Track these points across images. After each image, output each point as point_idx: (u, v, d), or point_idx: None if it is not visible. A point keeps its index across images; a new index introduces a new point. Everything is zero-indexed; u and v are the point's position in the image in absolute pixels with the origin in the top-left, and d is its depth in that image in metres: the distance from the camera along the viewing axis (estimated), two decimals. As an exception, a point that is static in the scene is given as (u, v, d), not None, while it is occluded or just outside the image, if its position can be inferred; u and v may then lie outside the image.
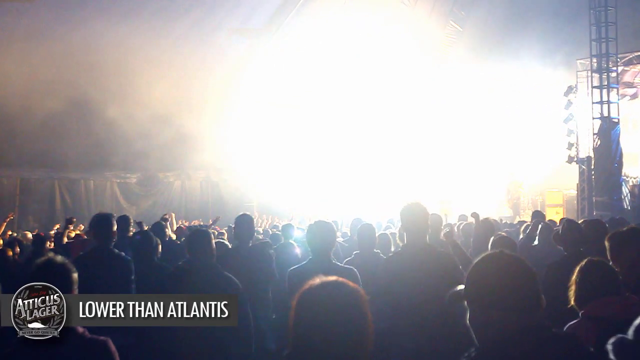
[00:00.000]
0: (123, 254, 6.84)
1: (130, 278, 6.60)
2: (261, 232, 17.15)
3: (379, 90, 32.37)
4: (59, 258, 3.88)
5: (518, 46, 28.54)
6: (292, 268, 6.13)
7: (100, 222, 6.96)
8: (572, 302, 4.08)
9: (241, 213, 8.09)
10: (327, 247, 5.92)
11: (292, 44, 30.96)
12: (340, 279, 2.71)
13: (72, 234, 12.78)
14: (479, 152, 29.94)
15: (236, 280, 5.83)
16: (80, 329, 3.65)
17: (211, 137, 28.56)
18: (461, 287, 2.87)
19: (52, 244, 11.40)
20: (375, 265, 6.39)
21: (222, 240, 8.81)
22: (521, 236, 10.51)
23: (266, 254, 7.76)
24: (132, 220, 9.32)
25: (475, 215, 10.08)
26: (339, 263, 6.18)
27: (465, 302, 2.81)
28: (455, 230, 11.49)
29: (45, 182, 27.47)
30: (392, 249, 8.09)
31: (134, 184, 30.40)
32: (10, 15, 23.71)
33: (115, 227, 7.06)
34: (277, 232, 12.27)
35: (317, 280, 2.68)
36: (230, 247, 8.14)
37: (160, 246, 7.90)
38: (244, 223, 7.75)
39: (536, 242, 9.02)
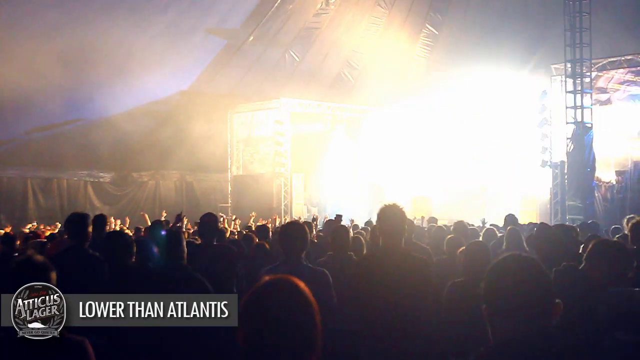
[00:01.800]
0: (97, 254, 6.78)
1: (102, 279, 6.54)
2: (235, 233, 17.14)
3: (349, 92, 32.51)
4: (38, 257, 3.85)
5: (493, 50, 28.73)
6: (264, 269, 6.11)
7: (76, 222, 6.90)
8: None
9: (206, 212, 8.09)
10: (299, 249, 5.88)
11: (269, 43, 30.94)
12: (290, 277, 2.71)
13: (47, 233, 12.68)
14: (454, 157, 30.09)
15: (206, 283, 5.82)
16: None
17: (186, 137, 28.47)
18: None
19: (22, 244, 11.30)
20: (348, 267, 6.36)
21: (192, 240, 8.80)
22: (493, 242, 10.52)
23: (230, 251, 7.76)
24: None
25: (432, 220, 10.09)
26: (310, 265, 6.14)
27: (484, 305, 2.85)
28: (426, 234, 11.53)
29: (17, 181, 27.22)
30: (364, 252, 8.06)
31: (108, 184, 30.20)
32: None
33: (90, 227, 7.01)
34: (249, 233, 12.26)
35: (265, 279, 2.69)
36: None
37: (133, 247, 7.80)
38: (207, 222, 7.75)
39: (504, 247, 9.01)
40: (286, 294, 2.61)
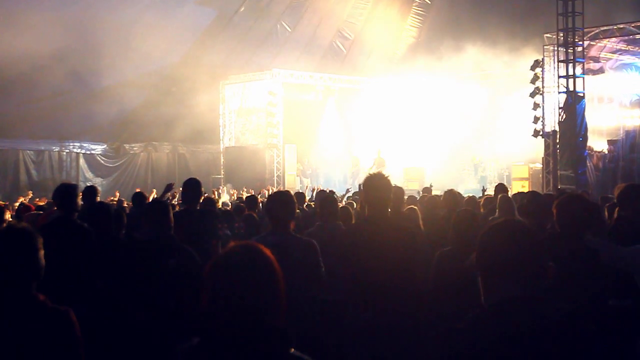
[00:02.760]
0: (85, 225, 6.76)
1: (91, 250, 6.52)
2: (229, 204, 17.18)
3: (342, 63, 32.41)
4: (21, 223, 3.82)
5: (485, 20, 28.62)
6: (253, 239, 6.08)
7: (64, 193, 6.88)
8: None
9: (188, 178, 8.09)
10: (286, 218, 5.83)
11: (260, 13, 30.78)
12: (254, 244, 2.75)
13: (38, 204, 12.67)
14: (446, 128, 30.05)
15: (192, 252, 5.81)
16: (42, 297, 3.56)
17: (179, 108, 28.38)
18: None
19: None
20: (336, 237, 6.34)
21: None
22: (482, 210, 10.53)
23: (212, 215, 7.76)
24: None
25: (428, 189, 10.10)
26: (297, 235, 6.11)
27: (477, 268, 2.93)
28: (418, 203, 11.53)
29: (9, 153, 27.13)
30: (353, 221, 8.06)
31: (100, 155, 30.14)
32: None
33: (78, 198, 6.98)
34: (241, 204, 12.29)
35: (230, 245, 2.72)
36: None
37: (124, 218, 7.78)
38: (190, 187, 7.75)
39: (496, 215, 9.02)
40: (249, 259, 2.62)
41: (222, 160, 32.33)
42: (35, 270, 3.56)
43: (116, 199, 20.26)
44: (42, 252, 3.61)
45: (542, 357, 2.70)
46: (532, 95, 23.78)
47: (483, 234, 2.94)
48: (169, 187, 10.43)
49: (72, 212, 6.77)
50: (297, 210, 6.95)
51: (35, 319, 3.48)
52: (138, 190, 15.82)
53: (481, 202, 11.04)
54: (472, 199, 11.26)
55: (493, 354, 2.69)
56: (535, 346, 2.67)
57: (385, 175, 5.65)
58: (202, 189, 7.97)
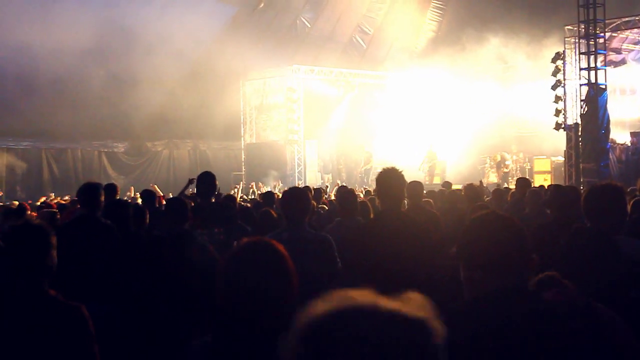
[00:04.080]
0: (109, 222, 6.83)
1: (114, 247, 6.59)
2: (248, 199, 17.22)
3: (362, 58, 32.35)
4: (37, 221, 3.85)
5: (506, 12, 28.48)
6: (268, 235, 6.10)
7: (87, 191, 6.94)
8: None
9: (203, 171, 8.12)
10: (301, 214, 5.80)
11: (279, 9, 30.82)
12: (267, 240, 2.78)
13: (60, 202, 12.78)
14: (467, 121, 29.93)
15: (210, 248, 5.85)
16: (53, 292, 3.58)
17: (200, 106, 28.50)
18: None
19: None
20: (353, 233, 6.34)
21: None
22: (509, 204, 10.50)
23: (228, 207, 7.79)
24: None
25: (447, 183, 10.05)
26: (313, 231, 6.11)
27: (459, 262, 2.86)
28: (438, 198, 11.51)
29: (32, 152, 27.37)
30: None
31: (122, 154, 30.34)
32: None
33: (102, 196, 7.04)
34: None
35: (243, 241, 2.75)
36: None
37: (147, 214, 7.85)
38: (204, 180, 7.79)
39: (526, 210, 8.98)
40: (260, 255, 2.64)
41: (243, 156, 32.41)
42: (47, 266, 3.59)
43: (132, 195, 20.36)
44: (54, 250, 3.64)
45: (529, 352, 2.64)
46: (554, 87, 23.62)
47: (466, 226, 2.91)
48: (191, 182, 10.51)
49: (96, 210, 6.83)
50: (315, 206, 6.95)
51: (47, 314, 3.50)
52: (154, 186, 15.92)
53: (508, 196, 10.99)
54: (497, 191, 11.22)
55: (476, 348, 2.62)
56: (521, 340, 2.62)
57: (399, 170, 5.64)
58: (217, 182, 8.00)
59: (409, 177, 6.35)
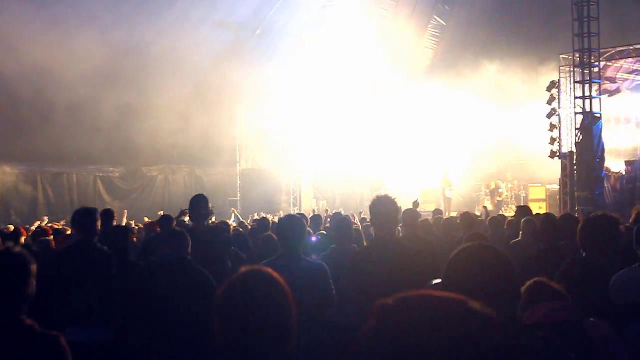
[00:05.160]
0: (106, 248, 6.82)
1: (111, 273, 6.57)
2: (247, 224, 17.20)
3: (359, 85, 32.44)
4: (17, 249, 3.79)
5: (501, 40, 28.64)
6: (263, 262, 6.09)
7: (84, 217, 6.92)
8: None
9: (196, 194, 8.09)
10: (296, 242, 5.82)
11: (276, 37, 30.92)
12: (264, 269, 2.76)
13: (55, 227, 12.74)
14: (463, 148, 30.00)
15: (208, 275, 5.84)
16: (29, 322, 3.49)
17: (195, 131, 28.51)
18: (437, 281, 2.91)
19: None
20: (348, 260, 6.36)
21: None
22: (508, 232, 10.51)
23: (221, 231, 7.78)
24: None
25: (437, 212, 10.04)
26: (308, 258, 6.11)
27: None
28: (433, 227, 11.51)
29: (27, 176, 27.34)
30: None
31: (117, 178, 30.32)
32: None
33: (99, 222, 7.03)
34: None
35: (241, 271, 2.74)
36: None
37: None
38: (197, 204, 7.77)
39: (519, 238, 9.01)
40: (260, 286, 2.64)
41: (238, 182, 32.41)
42: (24, 295, 3.51)
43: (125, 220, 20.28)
44: (33, 279, 3.57)
45: None
46: (549, 116, 23.71)
47: (452, 257, 2.88)
48: (183, 212, 10.53)
49: (93, 235, 6.81)
50: (309, 233, 6.95)
51: (23, 344, 3.43)
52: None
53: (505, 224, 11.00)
54: (494, 219, 11.24)
55: None
56: None
57: (392, 198, 5.68)
58: (210, 205, 7.97)
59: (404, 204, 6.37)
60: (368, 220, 13.15)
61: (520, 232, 9.00)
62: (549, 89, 23.85)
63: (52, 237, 10.32)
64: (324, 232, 10.90)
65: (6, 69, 22.55)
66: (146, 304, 5.71)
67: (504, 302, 2.71)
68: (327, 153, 31.61)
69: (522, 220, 9.19)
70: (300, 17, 30.75)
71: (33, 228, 15.68)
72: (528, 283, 3.64)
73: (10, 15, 22.73)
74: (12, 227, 15.24)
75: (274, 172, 30.44)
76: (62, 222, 19.18)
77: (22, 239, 10.72)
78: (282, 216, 21.79)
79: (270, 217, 16.77)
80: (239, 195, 31.76)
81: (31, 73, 22.80)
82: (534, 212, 17.74)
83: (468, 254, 2.85)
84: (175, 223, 9.98)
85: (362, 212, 18.76)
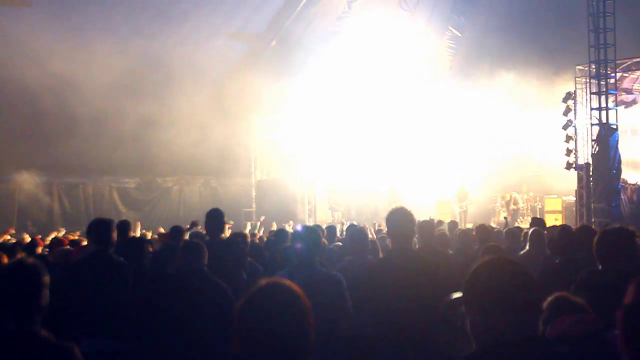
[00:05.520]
0: (121, 259, 6.82)
1: (127, 284, 6.57)
2: (262, 234, 17.20)
3: (375, 96, 32.42)
4: (30, 260, 3.79)
5: (517, 51, 28.58)
6: (278, 273, 6.10)
7: (99, 228, 6.94)
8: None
9: (211, 208, 8.09)
10: (312, 253, 5.87)
11: (291, 48, 30.97)
12: (283, 281, 2.74)
13: (70, 238, 12.77)
14: (479, 159, 29.95)
15: (225, 287, 5.83)
16: (44, 333, 3.51)
17: (210, 142, 28.55)
18: (457, 294, 2.90)
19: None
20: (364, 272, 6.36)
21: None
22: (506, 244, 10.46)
23: (237, 245, 7.77)
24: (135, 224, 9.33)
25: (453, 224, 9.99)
26: (323, 269, 6.12)
27: (464, 308, 2.85)
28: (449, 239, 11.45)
29: (43, 186, 27.43)
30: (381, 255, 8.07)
31: (133, 189, 30.39)
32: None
33: (114, 233, 7.03)
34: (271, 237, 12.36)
35: (260, 283, 2.71)
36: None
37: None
38: (213, 217, 7.78)
39: (526, 249, 8.95)
40: (279, 298, 2.62)
41: (253, 193, 32.40)
42: (37, 306, 3.53)
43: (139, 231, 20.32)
44: (46, 289, 3.59)
45: None
46: (565, 127, 23.64)
47: (472, 272, 2.87)
48: (194, 224, 10.57)
49: (108, 246, 6.82)
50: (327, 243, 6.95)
51: (37, 355, 3.43)
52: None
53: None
54: (510, 231, 11.18)
55: None
56: None
57: (408, 209, 5.67)
58: (225, 219, 7.98)
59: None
60: (383, 231, 13.11)
61: (528, 243, 8.96)
62: (564, 100, 23.78)
63: (68, 247, 10.36)
64: (340, 243, 10.89)
65: (29, 80, 22.71)
66: (161, 316, 5.71)
67: (525, 315, 2.71)
68: (343, 164, 31.57)
69: (530, 232, 9.16)
70: (316, 28, 30.80)
71: (49, 238, 15.74)
72: (550, 297, 3.62)
73: (31, 25, 22.88)
74: (28, 237, 15.33)
75: (289, 183, 30.40)
76: (78, 233, 19.23)
77: (39, 249, 10.76)
78: (293, 226, 21.90)
79: (288, 228, 16.80)
80: (254, 206, 31.74)
81: (53, 84, 22.95)
82: (550, 224, 17.74)
83: (489, 267, 2.84)
84: (187, 234, 10.00)
85: (376, 223, 18.69)
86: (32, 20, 23.10)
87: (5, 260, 7.63)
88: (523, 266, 2.85)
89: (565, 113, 23.70)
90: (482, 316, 2.74)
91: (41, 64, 22.56)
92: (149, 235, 17.88)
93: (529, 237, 8.99)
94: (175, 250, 7.98)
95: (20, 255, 9.84)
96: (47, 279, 3.61)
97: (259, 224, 24.96)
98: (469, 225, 21.02)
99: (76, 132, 25.34)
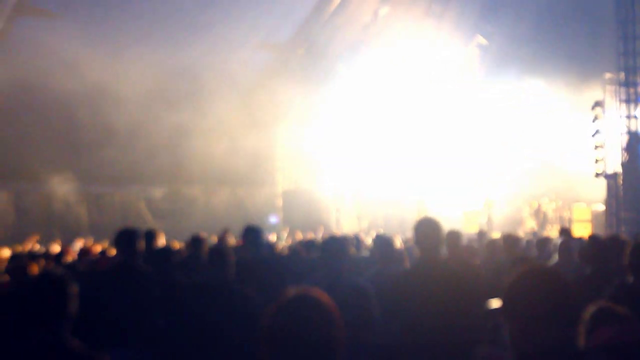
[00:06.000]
0: (148, 268, 6.84)
1: (153, 294, 6.58)
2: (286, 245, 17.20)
3: (401, 104, 32.37)
4: (58, 271, 3.82)
5: (545, 59, 28.41)
6: (304, 282, 6.09)
7: (126, 237, 6.96)
8: None
9: (248, 225, 8.09)
10: (338, 262, 5.86)
11: (318, 57, 31.02)
12: (311, 291, 2.72)
13: (98, 249, 12.85)
14: (505, 167, 29.78)
15: (251, 296, 5.81)
16: (74, 343, 3.53)
17: (236, 151, 28.63)
18: (495, 304, 2.93)
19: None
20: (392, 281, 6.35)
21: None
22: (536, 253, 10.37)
23: (279, 262, 7.77)
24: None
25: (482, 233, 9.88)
26: (352, 278, 6.12)
27: (502, 317, 2.89)
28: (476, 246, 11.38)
29: (71, 196, 27.62)
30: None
31: (160, 199, 30.52)
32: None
33: (141, 242, 7.05)
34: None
35: (288, 293, 2.70)
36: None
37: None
38: (250, 233, 7.78)
39: (556, 259, 8.88)
40: (307, 308, 2.60)
41: (279, 202, 32.43)
42: (66, 317, 3.56)
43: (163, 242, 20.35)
44: (74, 299, 3.62)
45: None
46: (593, 135, 23.44)
47: (511, 282, 2.90)
48: (224, 233, 10.62)
49: (135, 256, 6.84)
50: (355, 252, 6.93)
51: None
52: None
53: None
54: (541, 241, 11.07)
55: None
56: None
57: (436, 219, 5.65)
58: (263, 235, 7.99)
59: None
60: (410, 241, 13.06)
61: (557, 254, 8.87)
62: (593, 108, 23.59)
63: (96, 256, 10.43)
64: (367, 254, 10.85)
65: (66, 89, 22.95)
66: (188, 326, 5.71)
67: (566, 325, 2.71)
68: (370, 173, 31.52)
69: (560, 242, 9.07)
70: (343, 36, 30.82)
71: (77, 247, 15.84)
72: (592, 307, 3.59)
73: (64, 36, 23.10)
74: (58, 247, 15.45)
75: (315, 193, 30.41)
76: (105, 243, 19.35)
77: (67, 259, 10.84)
78: (320, 234, 21.90)
79: (314, 237, 16.80)
80: (281, 215, 31.77)
81: (89, 93, 23.20)
82: (579, 233, 17.60)
83: (529, 277, 2.87)
84: (215, 244, 10.01)
85: (403, 233, 18.63)
86: (65, 31, 23.30)
87: (36, 269, 7.69)
88: (561, 276, 2.85)
89: (594, 121, 23.50)
90: (523, 325, 2.76)
91: (78, 74, 22.79)
92: (177, 245, 17.93)
93: (558, 248, 8.90)
94: (199, 259, 8.01)
95: (49, 265, 9.94)
96: (74, 289, 3.63)
97: (286, 234, 24.98)
98: (495, 235, 20.89)
99: (110, 142, 25.51)
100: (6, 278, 8.45)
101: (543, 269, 2.93)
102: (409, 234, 17.33)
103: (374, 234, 18.19)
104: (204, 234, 9.18)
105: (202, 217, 30.45)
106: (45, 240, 21.00)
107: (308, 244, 11.10)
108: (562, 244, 8.85)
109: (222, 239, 10.51)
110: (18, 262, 10.03)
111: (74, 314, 3.61)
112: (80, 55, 23.03)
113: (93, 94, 23.31)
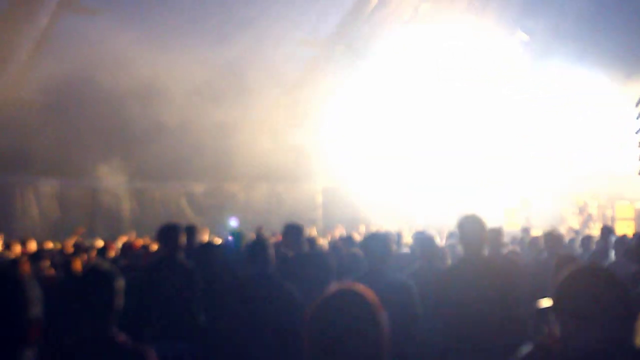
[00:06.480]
0: (190, 263, 6.91)
1: (195, 288, 6.65)
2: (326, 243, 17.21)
3: (443, 99, 32.19)
4: (105, 265, 3.87)
5: (588, 54, 28.05)
6: (348, 278, 6.09)
7: (167, 232, 7.04)
8: None
9: (289, 222, 8.12)
10: (381, 259, 5.88)
11: (359, 53, 30.95)
12: (355, 286, 2.70)
13: (140, 243, 13.01)
14: (546, 163, 29.47)
15: (293, 291, 5.82)
16: (121, 337, 3.59)
17: (278, 147, 28.69)
18: (546, 303, 2.92)
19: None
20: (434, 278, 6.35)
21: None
22: (579, 251, 10.27)
23: (323, 259, 7.78)
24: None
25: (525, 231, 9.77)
26: (395, 274, 6.12)
27: (554, 315, 2.87)
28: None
29: (113, 192, 27.91)
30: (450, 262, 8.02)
31: (200, 195, 30.68)
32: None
33: (182, 237, 7.13)
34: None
35: (332, 289, 2.68)
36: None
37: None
38: (291, 232, 7.83)
39: (613, 259, 8.74)
40: (350, 304, 2.58)
41: (319, 198, 32.41)
42: (113, 311, 3.61)
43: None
44: (121, 294, 3.66)
45: None
46: (637, 132, 23.13)
47: (564, 279, 2.88)
48: (259, 230, 10.69)
49: (176, 250, 6.92)
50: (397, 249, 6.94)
51: (114, 358, 3.50)
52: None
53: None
54: (585, 239, 10.96)
55: None
56: None
57: (479, 217, 5.64)
58: (304, 233, 8.02)
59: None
60: (451, 239, 13.00)
61: (613, 253, 8.76)
62: (638, 104, 23.27)
63: (139, 251, 10.56)
64: (408, 251, 10.84)
65: (116, 85, 23.18)
66: (231, 320, 5.75)
67: (621, 323, 2.69)
68: (410, 170, 31.39)
69: (614, 240, 8.97)
70: (383, 32, 30.72)
71: (120, 242, 16.03)
72: None
73: (111, 32, 23.32)
74: (101, 242, 15.64)
75: (355, 190, 30.32)
76: (147, 238, 19.55)
77: (111, 254, 10.98)
78: (362, 232, 21.86)
79: (356, 235, 16.80)
80: (321, 212, 31.75)
81: (137, 88, 23.37)
82: (621, 231, 17.35)
83: (583, 274, 2.86)
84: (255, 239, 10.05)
85: (443, 230, 18.50)
86: (111, 27, 23.50)
87: (79, 265, 7.82)
88: (615, 275, 2.83)
89: (638, 117, 23.17)
90: (577, 323, 2.73)
91: (125, 70, 22.98)
92: (218, 240, 18.06)
93: (614, 247, 8.80)
94: (240, 255, 8.06)
95: (92, 259, 10.09)
96: (121, 283, 3.68)
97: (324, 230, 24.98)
98: (536, 232, 20.70)
99: (158, 138, 25.69)
100: (51, 272, 8.61)
101: (597, 267, 2.91)
102: (449, 231, 17.24)
103: (413, 231, 18.14)
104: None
105: (242, 213, 30.58)
106: (90, 236, 21.27)
107: (347, 240, 11.12)
108: (616, 241, 8.74)
109: (259, 234, 10.56)
110: (63, 256, 10.21)
111: (120, 308, 3.65)
112: (128, 51, 23.19)
113: (141, 90, 23.47)
